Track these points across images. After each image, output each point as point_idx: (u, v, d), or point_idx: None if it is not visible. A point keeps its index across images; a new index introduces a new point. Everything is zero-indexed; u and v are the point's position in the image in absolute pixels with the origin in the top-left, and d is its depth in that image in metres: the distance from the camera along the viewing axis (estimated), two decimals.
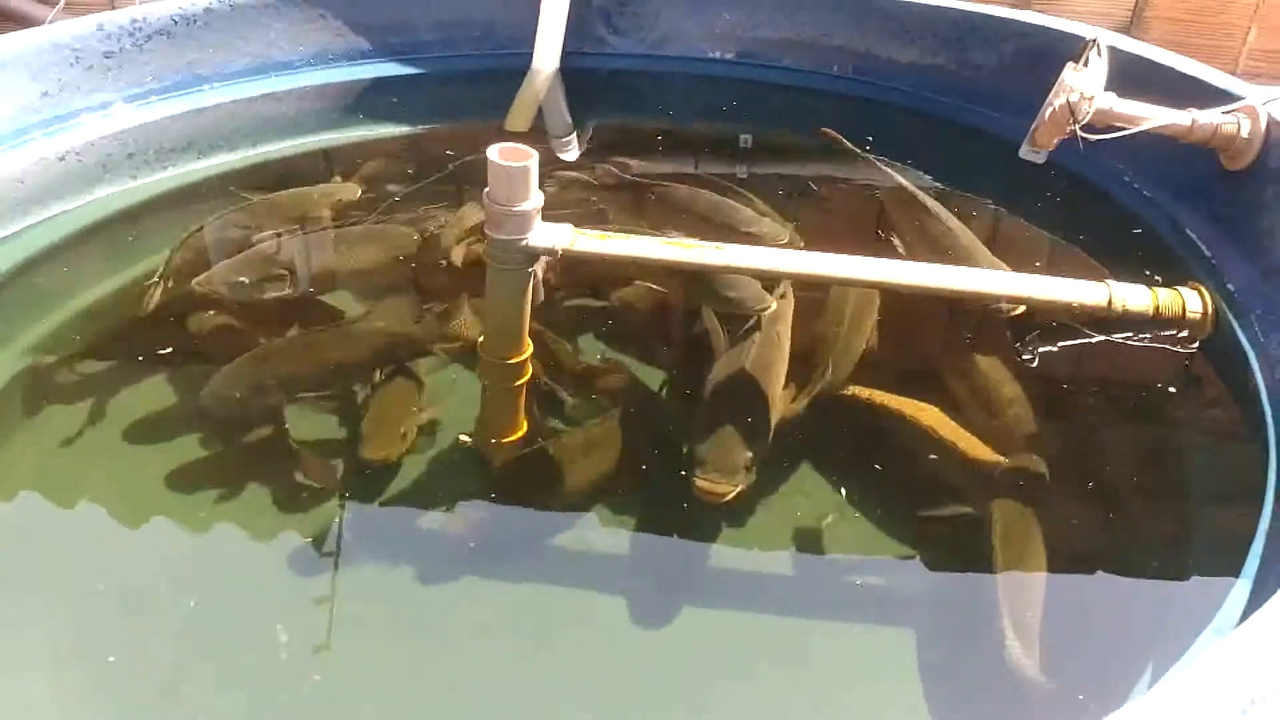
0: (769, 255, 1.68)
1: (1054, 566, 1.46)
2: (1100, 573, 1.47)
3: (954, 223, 2.10)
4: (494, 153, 1.51)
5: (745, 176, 2.37)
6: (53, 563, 1.48)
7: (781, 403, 1.68)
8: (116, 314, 1.92)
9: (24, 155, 2.16)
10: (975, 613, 1.41)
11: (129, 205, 2.20)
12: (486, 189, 1.55)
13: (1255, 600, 1.28)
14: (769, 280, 1.89)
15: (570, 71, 2.54)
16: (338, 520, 1.51)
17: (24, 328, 1.89)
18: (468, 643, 1.36)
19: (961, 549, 1.49)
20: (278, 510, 1.54)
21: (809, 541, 1.51)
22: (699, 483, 1.49)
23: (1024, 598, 1.40)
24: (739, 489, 1.49)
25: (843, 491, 1.58)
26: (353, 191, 2.19)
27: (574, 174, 2.26)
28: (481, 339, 1.68)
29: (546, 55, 2.47)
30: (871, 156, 2.38)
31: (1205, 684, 0.88)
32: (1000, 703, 1.30)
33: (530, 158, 1.51)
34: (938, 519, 1.56)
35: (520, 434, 1.67)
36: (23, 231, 2.07)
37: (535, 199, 1.56)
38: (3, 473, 1.60)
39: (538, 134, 2.43)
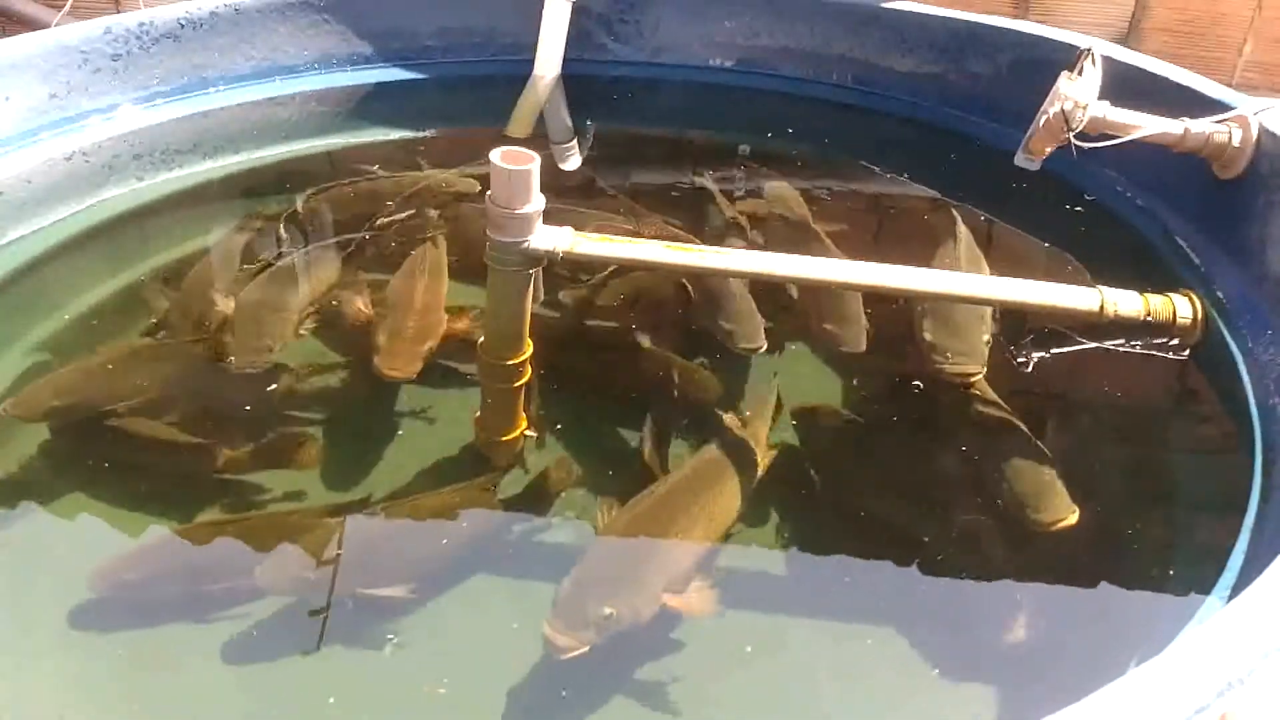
0: (768, 260, 1.70)
1: (1042, 567, 1.48)
2: (1088, 570, 1.49)
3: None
4: (496, 156, 1.53)
5: (743, 185, 2.39)
6: (59, 555, 1.50)
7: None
8: (124, 313, 1.94)
9: (32, 156, 2.18)
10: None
11: (135, 206, 2.22)
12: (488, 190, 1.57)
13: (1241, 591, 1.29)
14: (768, 284, 1.92)
15: (571, 78, 2.56)
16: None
17: (32, 326, 1.92)
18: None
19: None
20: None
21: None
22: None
23: None
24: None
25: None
26: (471, 185, 2.21)
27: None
28: (481, 340, 1.70)
29: (548, 62, 2.49)
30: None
31: (1186, 666, 0.90)
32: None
33: (532, 161, 1.53)
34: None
35: (519, 432, 1.69)
36: (32, 232, 2.10)
37: (537, 202, 1.57)
38: (9, 469, 1.62)
39: (539, 140, 2.45)
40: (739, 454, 1.62)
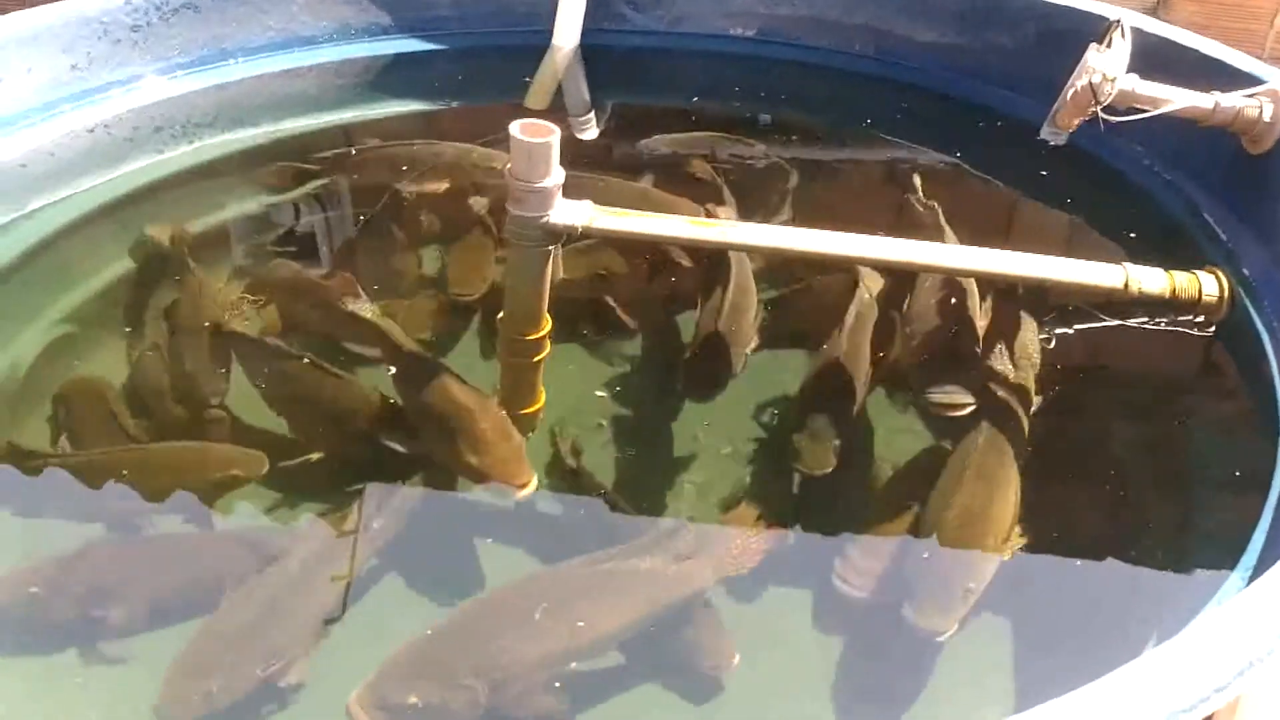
0: (785, 234, 1.69)
1: (1064, 544, 1.48)
2: (1110, 549, 1.48)
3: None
4: (516, 128, 1.53)
5: (763, 157, 2.38)
6: (82, 526, 1.51)
7: None
8: (145, 285, 1.94)
9: (55, 128, 2.18)
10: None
11: (156, 179, 2.22)
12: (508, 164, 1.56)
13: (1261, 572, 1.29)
14: (782, 260, 1.91)
15: (589, 49, 2.54)
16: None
17: (57, 297, 1.93)
18: None
19: None
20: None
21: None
22: None
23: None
24: None
25: None
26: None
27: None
28: (501, 316, 1.71)
29: (566, 32, 2.47)
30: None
31: (1206, 646, 0.90)
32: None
33: (552, 134, 1.53)
34: None
35: (538, 406, 1.70)
36: (55, 203, 2.10)
37: (556, 175, 1.57)
38: (36, 441, 1.63)
39: (557, 112, 2.43)
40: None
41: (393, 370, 1.66)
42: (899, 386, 1.74)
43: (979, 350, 1.75)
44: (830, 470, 1.54)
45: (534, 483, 1.49)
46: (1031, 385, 1.70)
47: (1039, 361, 1.75)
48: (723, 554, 1.43)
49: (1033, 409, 1.66)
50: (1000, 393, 1.67)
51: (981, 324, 1.81)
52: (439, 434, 1.53)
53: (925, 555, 1.41)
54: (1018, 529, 1.46)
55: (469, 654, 1.26)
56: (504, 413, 1.57)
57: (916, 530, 1.46)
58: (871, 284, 1.86)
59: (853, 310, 1.79)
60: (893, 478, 1.61)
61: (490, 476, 1.48)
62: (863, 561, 1.43)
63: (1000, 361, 1.73)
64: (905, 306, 1.85)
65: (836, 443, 1.56)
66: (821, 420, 1.60)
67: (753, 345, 1.80)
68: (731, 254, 1.87)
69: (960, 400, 1.66)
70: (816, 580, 1.42)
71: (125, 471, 1.53)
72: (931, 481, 1.52)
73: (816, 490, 1.56)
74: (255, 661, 1.26)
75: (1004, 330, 1.80)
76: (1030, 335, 1.79)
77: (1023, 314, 1.83)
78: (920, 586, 1.36)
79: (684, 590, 1.38)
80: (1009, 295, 1.88)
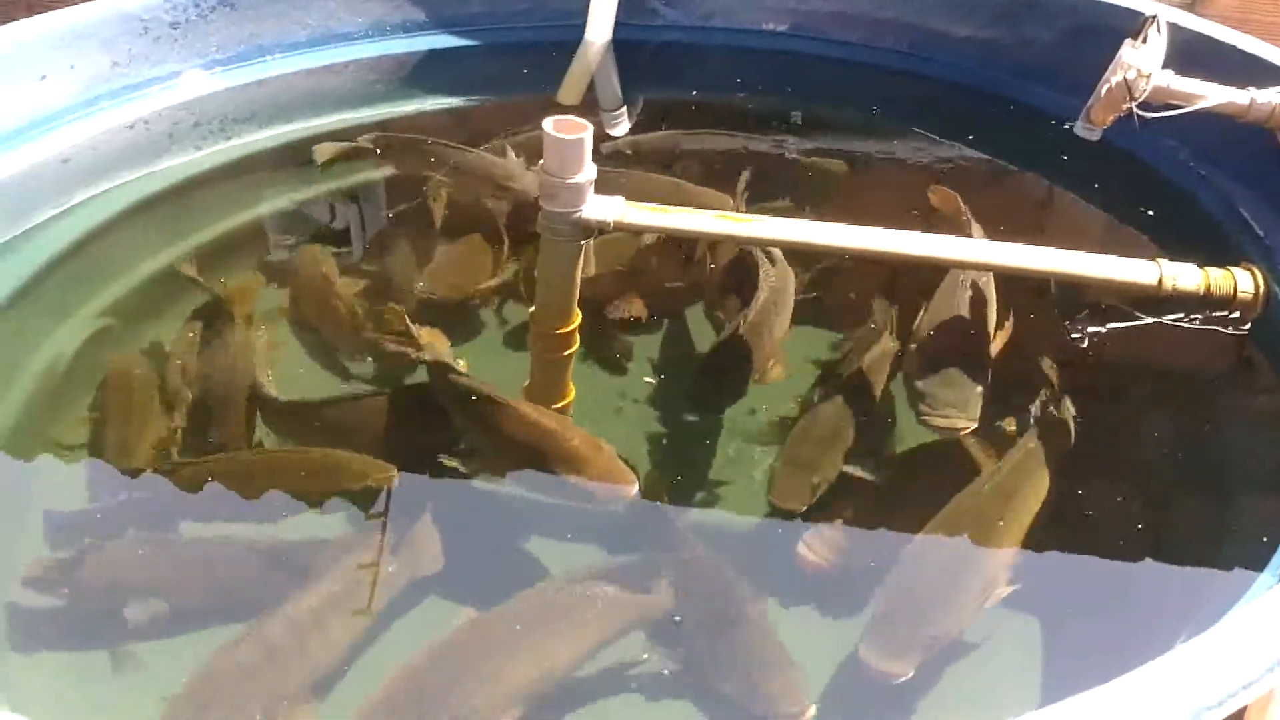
0: (816, 229, 1.69)
1: (1094, 541, 1.48)
2: (1141, 546, 1.49)
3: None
4: (549, 125, 1.54)
5: (794, 152, 2.38)
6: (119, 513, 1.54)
7: None
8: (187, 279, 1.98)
9: (96, 124, 2.22)
10: None
11: (195, 174, 2.26)
12: (540, 161, 1.58)
13: None
14: (815, 255, 1.91)
15: (621, 44, 2.55)
16: None
17: (99, 290, 1.97)
18: None
19: None
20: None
21: None
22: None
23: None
24: None
25: None
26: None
27: None
28: (532, 310, 1.72)
29: (599, 28, 2.48)
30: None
31: (1236, 641, 0.90)
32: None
33: (585, 130, 1.54)
34: None
35: (568, 400, 1.72)
36: (97, 196, 2.14)
37: (589, 171, 1.58)
38: (74, 435, 1.67)
39: (589, 107, 2.44)
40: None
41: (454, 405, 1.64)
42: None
43: (988, 367, 1.70)
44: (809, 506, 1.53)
45: (637, 482, 1.51)
46: (1047, 412, 1.66)
47: (1058, 381, 1.71)
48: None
49: (1045, 436, 1.61)
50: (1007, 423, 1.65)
51: (1000, 337, 1.79)
52: (527, 461, 1.53)
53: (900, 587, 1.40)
54: (1009, 576, 1.41)
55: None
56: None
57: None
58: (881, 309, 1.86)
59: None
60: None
61: (596, 487, 1.49)
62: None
63: (1013, 382, 1.69)
64: (919, 317, 1.82)
65: (816, 480, 1.55)
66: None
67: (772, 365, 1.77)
68: (764, 253, 1.89)
69: (957, 422, 1.60)
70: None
71: (258, 477, 1.54)
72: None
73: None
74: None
75: (1022, 345, 1.78)
76: (1048, 355, 1.76)
77: (1044, 325, 1.81)
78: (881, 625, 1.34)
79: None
80: (1033, 304, 1.86)
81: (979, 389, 1.64)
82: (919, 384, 1.66)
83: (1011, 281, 1.85)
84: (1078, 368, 1.77)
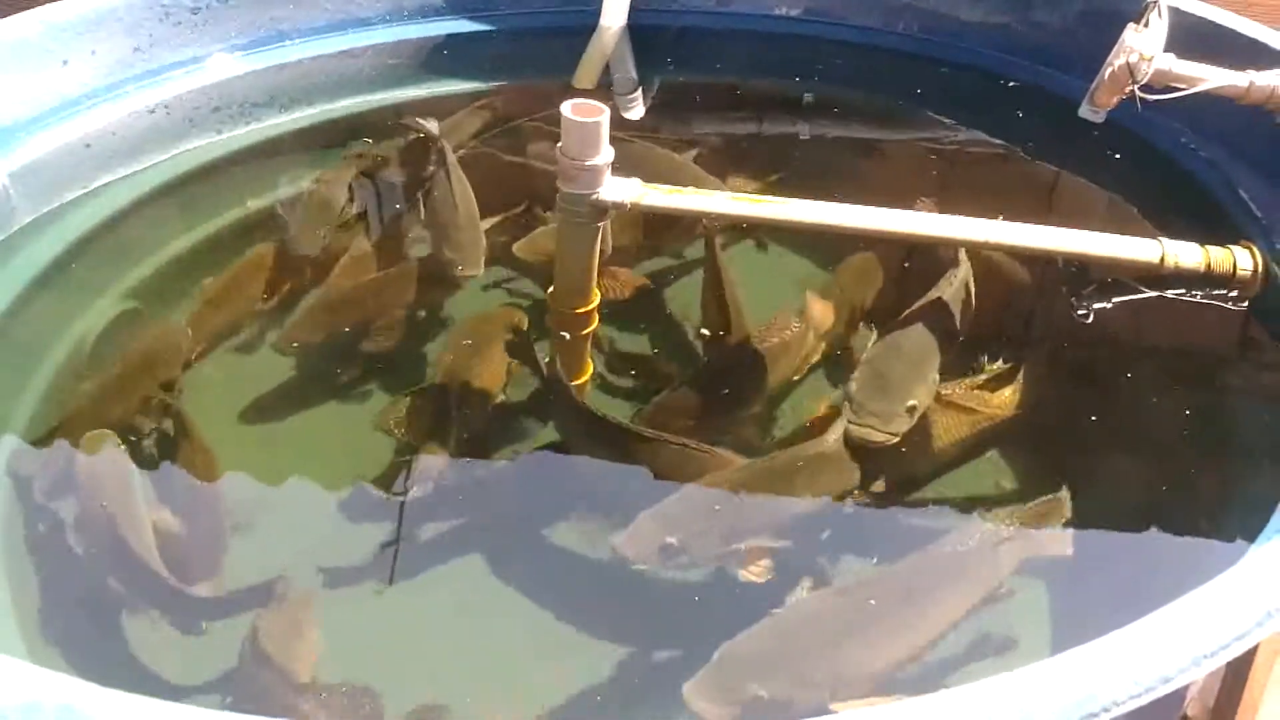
0: (834, 211, 1.72)
1: (1095, 517, 1.52)
2: (1142, 521, 1.53)
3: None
4: (567, 108, 1.58)
5: (807, 135, 2.41)
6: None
7: None
8: (206, 263, 2.02)
9: (118, 108, 2.25)
10: None
11: (215, 158, 2.29)
12: (559, 144, 1.62)
13: None
14: (825, 234, 1.95)
15: (636, 28, 2.58)
16: None
17: (121, 273, 2.01)
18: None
19: None
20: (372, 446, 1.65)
21: None
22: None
23: None
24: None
25: None
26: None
27: None
28: (551, 290, 1.77)
29: (614, 12, 2.50)
30: None
31: (1227, 597, 0.96)
32: None
33: (603, 113, 1.58)
34: None
35: (586, 377, 1.76)
36: (118, 180, 2.18)
37: (606, 154, 1.62)
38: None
39: (604, 91, 2.47)
40: None
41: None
42: None
43: (932, 378, 1.64)
44: None
45: None
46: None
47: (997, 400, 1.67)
48: None
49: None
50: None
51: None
52: None
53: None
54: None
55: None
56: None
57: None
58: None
59: None
60: None
61: None
62: None
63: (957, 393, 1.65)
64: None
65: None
66: None
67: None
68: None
69: (874, 436, 1.53)
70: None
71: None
72: None
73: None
74: None
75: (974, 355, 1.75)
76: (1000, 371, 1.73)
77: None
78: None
79: None
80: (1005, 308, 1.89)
81: (911, 404, 1.57)
82: (852, 385, 1.61)
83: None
84: (1080, 341, 1.81)
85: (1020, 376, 1.69)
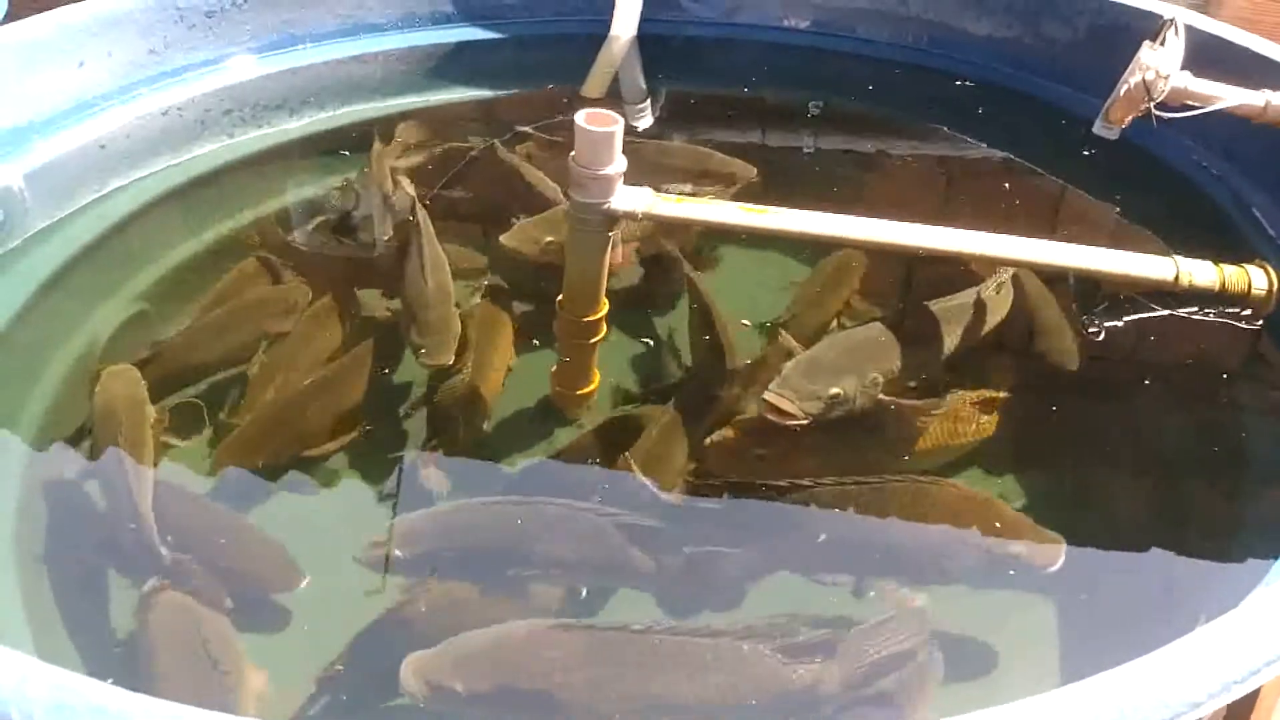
0: (843, 223, 1.72)
1: (1109, 534, 1.51)
2: (1155, 539, 1.52)
3: None
4: (581, 118, 1.58)
5: (813, 147, 2.41)
6: None
7: None
8: (218, 266, 2.02)
9: (131, 110, 2.26)
10: None
11: (226, 161, 2.30)
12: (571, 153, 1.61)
13: None
14: (834, 245, 1.95)
15: (645, 38, 2.58)
16: None
17: (133, 275, 2.00)
18: None
19: None
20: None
21: None
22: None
23: None
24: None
25: None
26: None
27: None
28: (560, 298, 1.76)
29: (625, 22, 2.51)
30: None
31: (1245, 629, 0.94)
32: None
33: (616, 124, 1.57)
34: None
35: (593, 387, 1.76)
36: (130, 183, 2.18)
37: (619, 163, 1.62)
38: None
39: (613, 100, 2.48)
40: None
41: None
42: None
43: (870, 377, 1.64)
44: None
45: None
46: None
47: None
48: None
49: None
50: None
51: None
52: None
53: None
54: None
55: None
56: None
57: None
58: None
59: None
60: None
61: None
62: None
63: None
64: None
65: None
66: None
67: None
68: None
69: (783, 405, 1.55)
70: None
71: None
72: None
73: None
74: None
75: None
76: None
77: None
78: None
79: None
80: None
81: (835, 392, 1.58)
82: (788, 363, 1.64)
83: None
84: (1093, 358, 1.80)
85: (1024, 394, 1.70)
